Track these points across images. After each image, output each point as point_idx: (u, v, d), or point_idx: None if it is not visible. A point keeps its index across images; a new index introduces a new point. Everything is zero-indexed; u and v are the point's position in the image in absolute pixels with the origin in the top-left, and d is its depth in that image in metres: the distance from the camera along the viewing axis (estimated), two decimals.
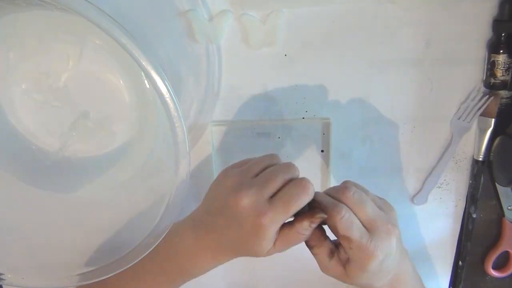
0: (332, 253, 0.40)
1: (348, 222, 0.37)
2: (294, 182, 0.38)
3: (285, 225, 0.39)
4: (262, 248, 0.38)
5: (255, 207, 0.37)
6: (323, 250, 0.40)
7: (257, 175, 0.40)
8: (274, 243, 0.39)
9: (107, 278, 0.44)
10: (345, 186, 0.40)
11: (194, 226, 0.42)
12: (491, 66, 0.47)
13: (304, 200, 0.37)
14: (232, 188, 0.39)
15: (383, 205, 0.41)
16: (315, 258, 0.41)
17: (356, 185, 0.42)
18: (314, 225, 0.38)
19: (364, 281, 0.40)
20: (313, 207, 0.39)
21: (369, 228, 0.38)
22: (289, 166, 0.40)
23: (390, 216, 0.40)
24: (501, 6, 0.45)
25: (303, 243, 0.41)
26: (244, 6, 0.47)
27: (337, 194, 0.40)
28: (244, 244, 0.39)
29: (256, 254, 0.39)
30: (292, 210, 0.37)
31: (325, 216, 0.38)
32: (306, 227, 0.38)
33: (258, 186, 0.38)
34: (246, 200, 0.37)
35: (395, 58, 0.49)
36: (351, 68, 0.49)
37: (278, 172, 0.39)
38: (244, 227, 0.38)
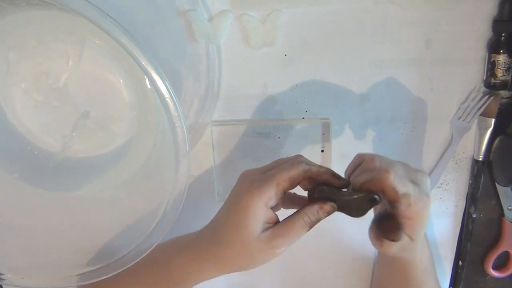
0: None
1: (402, 178, 0.38)
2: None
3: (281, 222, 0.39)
4: (253, 232, 0.38)
5: (249, 180, 0.40)
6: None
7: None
8: (271, 240, 0.38)
9: (106, 278, 0.44)
10: (369, 158, 0.40)
11: (197, 238, 0.43)
12: (491, 66, 0.47)
13: (288, 170, 0.38)
14: (241, 179, 0.42)
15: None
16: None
17: (372, 154, 0.42)
18: (321, 216, 0.39)
19: (420, 240, 0.40)
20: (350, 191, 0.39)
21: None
22: (296, 159, 0.41)
23: (410, 167, 0.41)
24: (501, 6, 0.45)
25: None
26: (244, 6, 0.47)
27: (367, 165, 0.40)
28: (240, 243, 0.39)
29: (254, 255, 0.39)
30: (277, 179, 0.38)
31: (333, 208, 0.38)
32: (315, 211, 0.38)
33: (259, 171, 0.41)
34: (247, 181, 0.40)
35: (395, 58, 0.49)
36: (351, 68, 0.49)
37: (282, 161, 0.41)
38: (238, 206, 0.39)
